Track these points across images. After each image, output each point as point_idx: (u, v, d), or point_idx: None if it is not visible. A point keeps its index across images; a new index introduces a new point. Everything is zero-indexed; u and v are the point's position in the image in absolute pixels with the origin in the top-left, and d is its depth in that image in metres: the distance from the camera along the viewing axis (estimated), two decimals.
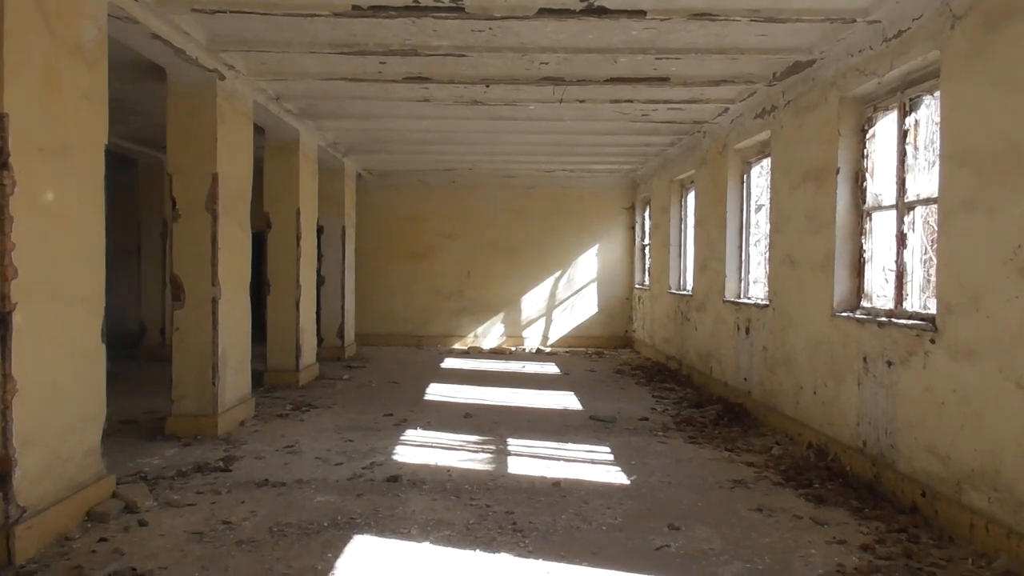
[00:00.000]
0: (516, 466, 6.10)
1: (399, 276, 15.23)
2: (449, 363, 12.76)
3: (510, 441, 6.99)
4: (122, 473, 5.61)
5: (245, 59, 6.89)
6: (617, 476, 5.87)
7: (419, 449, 6.63)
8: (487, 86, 7.77)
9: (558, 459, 6.36)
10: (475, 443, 6.89)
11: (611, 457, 6.46)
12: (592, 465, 6.20)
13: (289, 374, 9.77)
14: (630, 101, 8.40)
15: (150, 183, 12.55)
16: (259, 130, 9.65)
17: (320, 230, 12.68)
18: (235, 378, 7.38)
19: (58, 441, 4.36)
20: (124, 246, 13.82)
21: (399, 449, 6.61)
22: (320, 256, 12.71)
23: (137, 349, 12.60)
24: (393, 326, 15.20)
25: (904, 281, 5.65)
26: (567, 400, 9.25)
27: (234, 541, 4.36)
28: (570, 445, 6.87)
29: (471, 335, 15.22)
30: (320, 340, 12.72)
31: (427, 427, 7.52)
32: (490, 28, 5.96)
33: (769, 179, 8.13)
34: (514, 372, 11.75)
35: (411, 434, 7.22)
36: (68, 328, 4.46)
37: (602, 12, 5.47)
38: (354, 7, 5.33)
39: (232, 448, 6.53)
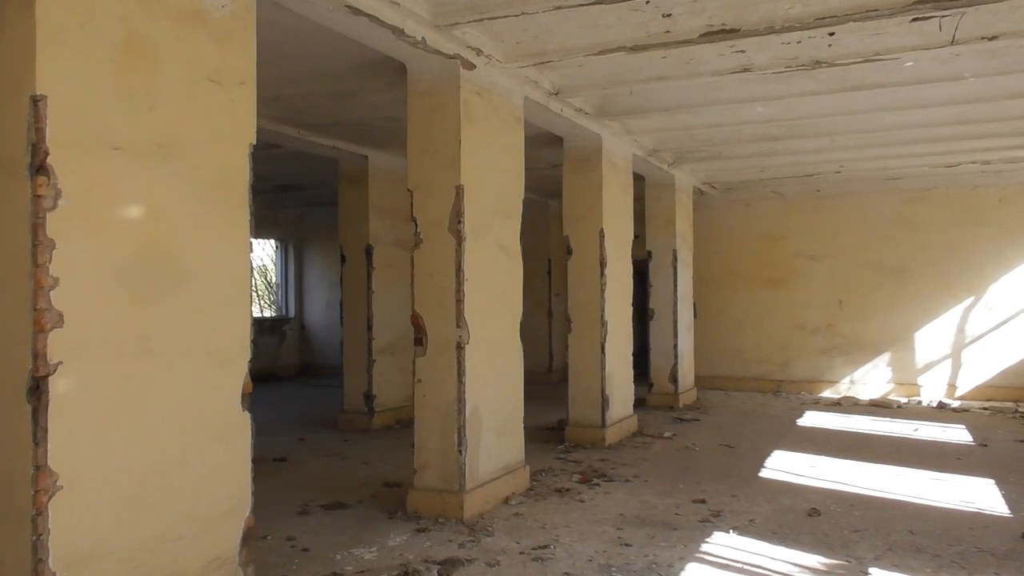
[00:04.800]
0: None
1: (751, 307, 12.72)
2: (809, 418, 9.97)
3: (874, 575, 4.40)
4: (313, 574, 4.38)
5: (489, 34, 5.38)
6: None
7: (719, 574, 4.40)
8: (830, 33, 5.32)
9: None
10: (815, 574, 4.43)
11: None
12: None
13: (593, 431, 8.06)
14: None
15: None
16: (558, 142, 8.25)
17: (648, 256, 10.94)
18: (497, 443, 5.88)
19: (150, 553, 3.14)
20: None
21: (690, 571, 4.45)
22: (649, 286, 10.95)
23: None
24: (744, 368, 12.70)
25: None
26: (982, 493, 6.12)
27: None
28: None
29: (844, 381, 12.08)
30: (649, 385, 10.89)
31: (746, 530, 5.20)
32: None
33: None
34: (900, 439, 8.60)
35: (718, 541, 4.98)
36: (174, 393, 3.26)
37: None
38: None
39: (470, 543, 4.96)
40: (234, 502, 3.56)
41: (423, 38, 4.96)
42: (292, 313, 16.06)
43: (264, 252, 17.11)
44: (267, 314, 16.31)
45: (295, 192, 12.99)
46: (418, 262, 5.54)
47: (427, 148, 5.52)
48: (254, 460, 7.33)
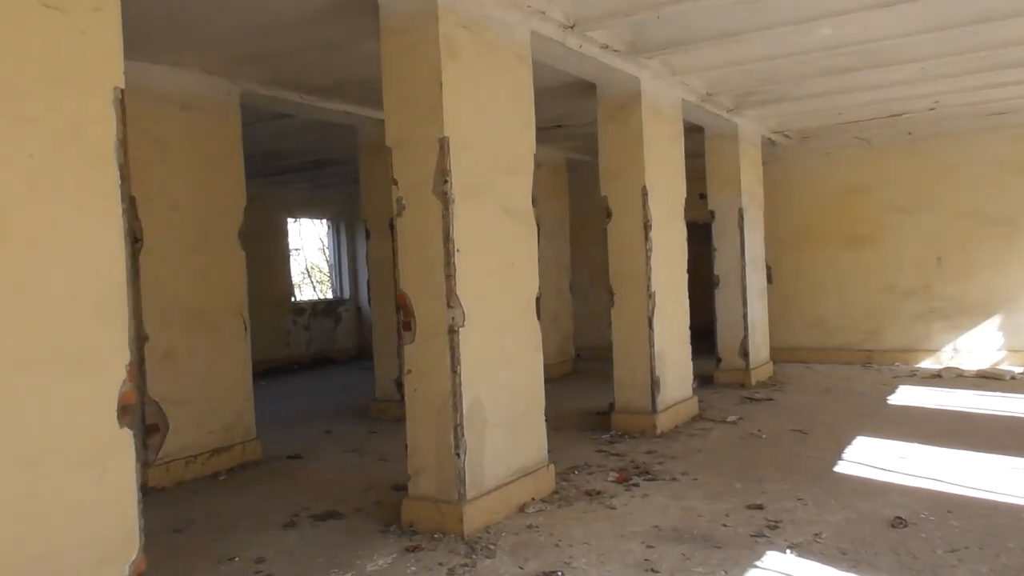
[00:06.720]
0: None
1: (832, 270, 11.33)
2: (902, 395, 8.67)
3: None
4: None
5: None
6: None
7: None
8: None
9: None
10: None
11: None
12: None
13: (642, 417, 7.07)
14: None
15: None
16: (591, 90, 7.23)
17: (711, 216, 9.79)
18: (509, 442, 4.99)
19: None
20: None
21: None
22: (713, 250, 9.81)
23: None
24: (826, 338, 11.36)
25: None
26: None
27: None
28: None
29: (946, 349, 10.60)
30: (717, 361, 9.78)
31: (808, 548, 4.17)
32: None
33: None
34: (1013, 419, 7.26)
35: (770, 564, 3.97)
36: (7, 415, 2.51)
37: None
38: None
39: (464, 568, 4.10)
40: (114, 544, 2.81)
41: None
42: (347, 294, 15.56)
43: (318, 232, 16.80)
44: (321, 296, 15.91)
45: (336, 167, 12.35)
46: (401, 232, 4.68)
47: (404, 96, 4.62)
48: (268, 458, 6.78)
